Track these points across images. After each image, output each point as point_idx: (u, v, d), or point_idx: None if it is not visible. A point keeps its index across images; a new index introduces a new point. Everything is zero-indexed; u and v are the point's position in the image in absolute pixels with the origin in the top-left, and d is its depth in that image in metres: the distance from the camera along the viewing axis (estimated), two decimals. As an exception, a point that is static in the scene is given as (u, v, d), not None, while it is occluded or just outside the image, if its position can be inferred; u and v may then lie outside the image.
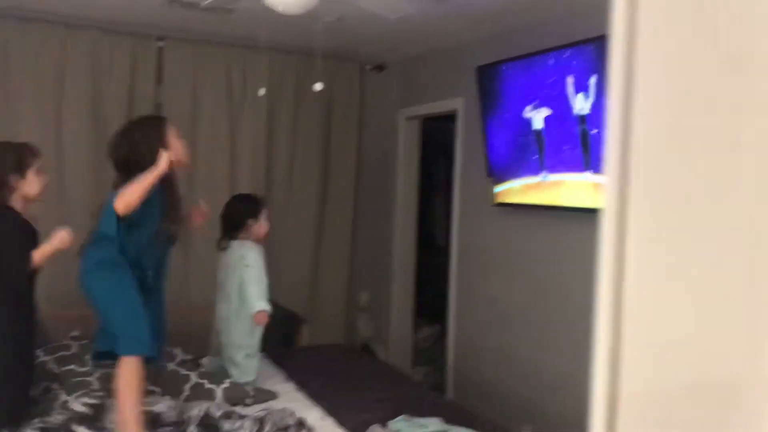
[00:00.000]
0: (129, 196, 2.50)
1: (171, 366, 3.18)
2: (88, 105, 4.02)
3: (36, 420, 2.67)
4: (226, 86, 4.38)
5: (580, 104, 3.09)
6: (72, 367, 3.09)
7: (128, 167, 2.66)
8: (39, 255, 2.61)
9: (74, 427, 2.56)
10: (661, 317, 0.57)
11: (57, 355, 3.19)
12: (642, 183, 0.56)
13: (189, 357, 3.37)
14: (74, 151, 3.99)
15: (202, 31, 4.20)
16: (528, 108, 3.42)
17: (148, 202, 2.56)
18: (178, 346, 3.33)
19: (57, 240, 2.65)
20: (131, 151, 2.68)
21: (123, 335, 2.59)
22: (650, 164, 0.56)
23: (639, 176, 0.56)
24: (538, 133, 3.38)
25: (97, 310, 2.69)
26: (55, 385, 2.99)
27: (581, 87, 3.08)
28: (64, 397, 2.83)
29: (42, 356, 3.12)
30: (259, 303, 3.19)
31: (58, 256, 2.70)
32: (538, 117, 3.37)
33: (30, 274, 2.67)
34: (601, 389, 0.57)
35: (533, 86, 3.37)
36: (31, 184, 2.67)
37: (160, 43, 4.19)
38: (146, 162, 2.59)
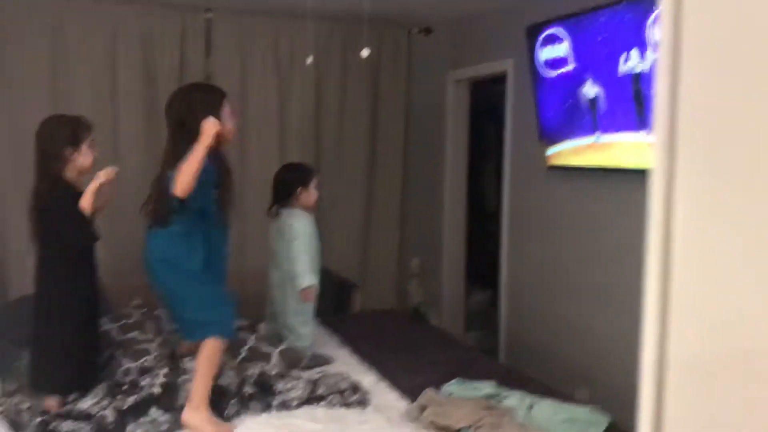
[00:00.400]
0: (185, 177, 2.50)
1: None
2: (141, 79, 4.10)
3: (101, 386, 2.78)
4: (273, 56, 4.40)
5: (634, 62, 3.00)
6: (134, 334, 3.20)
7: (181, 127, 2.67)
8: (85, 201, 2.67)
9: (151, 409, 2.64)
10: (709, 282, 0.56)
11: (120, 323, 3.31)
12: (691, 143, 0.55)
13: (246, 323, 3.46)
14: (128, 125, 4.08)
15: (249, 2, 4.21)
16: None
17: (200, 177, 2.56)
18: (235, 312, 3.41)
19: (97, 180, 2.71)
20: (186, 112, 2.67)
21: (208, 320, 2.68)
22: (699, 123, 0.54)
23: (687, 135, 0.54)
24: (590, 93, 3.29)
25: (172, 300, 2.79)
26: (119, 352, 3.10)
27: (635, 44, 2.98)
28: (126, 363, 2.93)
29: (106, 324, 3.24)
30: (305, 278, 3.22)
31: (107, 188, 2.76)
32: (590, 76, 3.28)
33: (93, 233, 2.76)
34: (650, 354, 0.56)
35: (585, 44, 3.28)
36: (85, 156, 2.75)
37: (208, 15, 4.23)
38: (195, 126, 2.57)
